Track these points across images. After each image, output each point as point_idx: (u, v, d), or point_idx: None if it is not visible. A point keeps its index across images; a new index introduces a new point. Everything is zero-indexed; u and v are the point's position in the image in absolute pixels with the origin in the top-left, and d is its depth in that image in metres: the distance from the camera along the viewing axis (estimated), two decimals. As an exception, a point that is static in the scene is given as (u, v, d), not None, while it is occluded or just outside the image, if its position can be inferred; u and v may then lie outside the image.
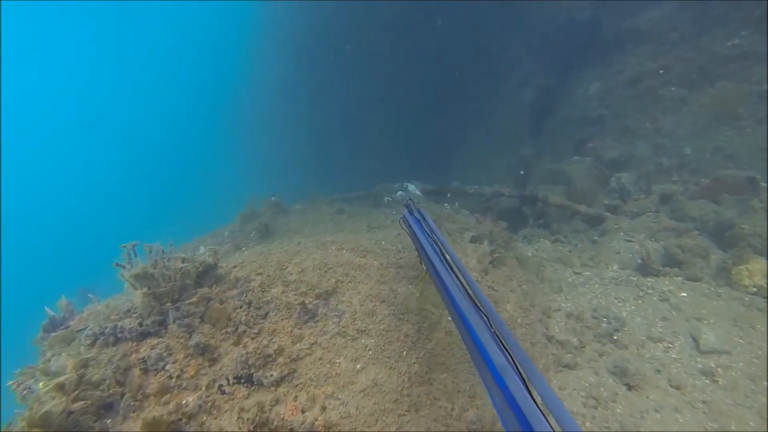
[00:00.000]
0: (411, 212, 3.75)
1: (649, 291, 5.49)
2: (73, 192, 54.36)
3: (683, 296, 5.30)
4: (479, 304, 1.97)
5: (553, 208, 8.94)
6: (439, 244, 2.86)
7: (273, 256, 4.17)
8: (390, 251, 4.91)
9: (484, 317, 1.87)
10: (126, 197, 51.75)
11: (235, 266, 3.99)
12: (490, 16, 14.39)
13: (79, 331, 3.30)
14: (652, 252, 6.09)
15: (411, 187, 9.58)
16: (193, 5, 43.30)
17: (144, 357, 3.15)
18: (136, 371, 3.09)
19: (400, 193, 9.62)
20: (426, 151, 18.19)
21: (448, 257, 2.63)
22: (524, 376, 1.47)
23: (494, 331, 1.76)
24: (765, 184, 6.86)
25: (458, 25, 15.41)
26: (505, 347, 1.64)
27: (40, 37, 46.06)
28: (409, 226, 3.54)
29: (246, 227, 7.32)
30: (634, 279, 5.84)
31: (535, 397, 1.38)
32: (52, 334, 3.27)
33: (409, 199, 4.06)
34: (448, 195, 9.62)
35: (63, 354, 2.94)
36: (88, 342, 3.09)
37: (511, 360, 1.57)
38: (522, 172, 11.98)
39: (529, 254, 7.25)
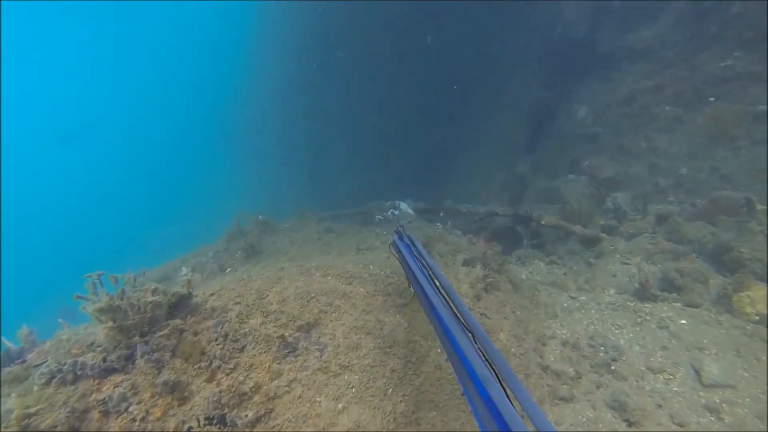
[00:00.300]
0: (401, 238, 3.70)
1: (647, 317, 5.29)
2: (72, 192, 53.95)
3: (683, 324, 5.11)
4: (464, 321, 2.02)
5: (548, 228, 8.78)
6: (428, 266, 2.87)
7: (253, 283, 3.93)
8: (378, 277, 4.69)
9: (469, 334, 1.93)
10: (125, 198, 51.34)
11: (212, 294, 3.75)
12: (486, 30, 14.42)
13: (35, 366, 3.03)
14: (649, 276, 5.90)
15: (403, 206, 9.40)
16: (193, 6, 43.28)
17: (105, 397, 2.90)
18: (95, 414, 2.84)
19: (391, 211, 9.43)
20: (420, 163, 18.09)
21: (437, 282, 2.63)
22: (505, 387, 1.53)
23: (478, 347, 1.81)
24: (763, 206, 6.73)
25: (454, 38, 15.43)
26: (488, 360, 1.70)
27: (40, 37, 46.01)
28: (399, 251, 3.50)
29: (232, 246, 7.07)
30: (632, 304, 5.64)
31: (515, 405, 1.45)
32: (6, 369, 3.00)
33: (400, 226, 4.07)
34: (441, 214, 9.44)
35: (12, 395, 2.68)
36: (43, 381, 2.83)
37: (493, 372, 1.62)
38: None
39: (523, 277, 7.05)
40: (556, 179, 11.43)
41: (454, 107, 16.95)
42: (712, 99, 8.43)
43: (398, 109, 18.43)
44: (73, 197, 52.76)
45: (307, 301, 3.71)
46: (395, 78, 17.87)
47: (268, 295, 3.72)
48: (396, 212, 9.42)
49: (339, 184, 19.28)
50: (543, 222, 8.49)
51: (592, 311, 5.69)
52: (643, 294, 5.70)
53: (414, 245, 3.43)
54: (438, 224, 8.34)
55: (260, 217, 7.76)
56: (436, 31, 15.96)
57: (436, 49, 16.14)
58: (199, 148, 48.04)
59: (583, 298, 6.07)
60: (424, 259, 3.02)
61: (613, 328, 5.27)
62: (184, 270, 5.82)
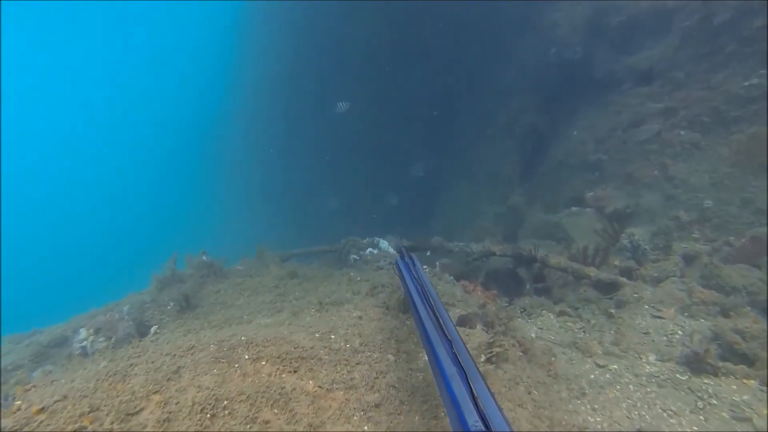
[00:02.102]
0: (403, 257, 3.87)
1: (713, 400, 3.90)
2: (71, 193, 52.44)
3: None
4: (446, 333, 2.23)
5: (553, 270, 7.47)
6: (421, 283, 3.12)
7: (130, 381, 2.44)
8: (342, 353, 3.26)
9: (448, 342, 2.11)
10: (121, 201, 49.52)
11: (50, 404, 2.24)
12: (475, 53, 13.53)
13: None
14: (700, 339, 4.55)
15: (383, 244, 8.03)
16: (194, 6, 42.39)
17: None
18: None
19: (369, 250, 8.03)
20: (403, 195, 16.86)
21: (429, 299, 2.79)
22: (471, 385, 1.70)
23: (454, 352, 1.99)
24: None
25: (440, 60, 14.50)
26: (459, 363, 1.88)
27: (40, 38, 44.74)
28: (400, 271, 3.70)
29: (163, 295, 5.56)
30: (684, 378, 4.25)
31: (476, 399, 1.60)
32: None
33: (402, 246, 4.43)
34: (428, 253, 8.07)
35: None
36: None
37: (462, 372, 1.80)
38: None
39: (533, 336, 5.64)
40: (555, 212, 10.24)
41: (439, 136, 15.90)
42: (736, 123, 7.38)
43: (381, 138, 17.31)
44: (72, 198, 51.99)
45: (212, 417, 2.22)
46: (377, 107, 16.84)
47: (144, 408, 2.22)
48: (375, 251, 8.02)
49: (316, 217, 17.88)
50: (550, 264, 7.18)
51: (631, 387, 4.27)
52: (697, 364, 4.33)
53: (414, 264, 3.64)
54: (425, 267, 6.94)
55: (204, 257, 6.26)
56: (421, 58, 15.09)
57: (420, 77, 15.22)
58: (176, 172, 46.73)
59: (615, 366, 4.66)
60: (419, 276, 3.29)
61: (665, 414, 3.85)
62: (82, 333, 4.26)
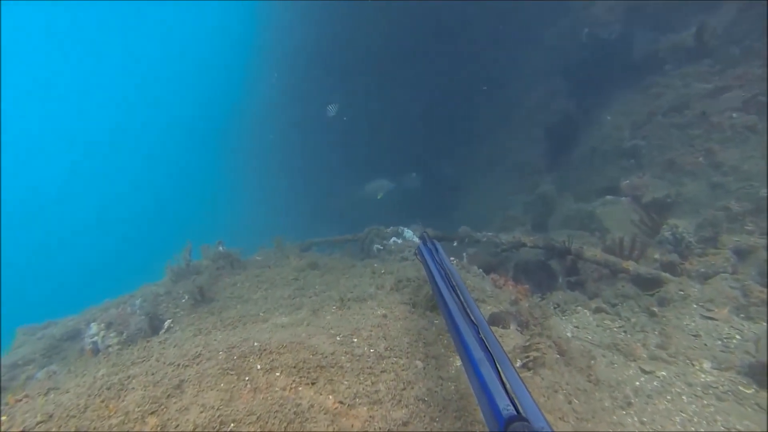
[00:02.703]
0: (425, 243, 3.84)
1: (785, 420, 3.45)
2: (90, 183, 53.15)
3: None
4: (472, 316, 2.19)
5: (587, 263, 7.00)
6: (446, 269, 3.05)
7: (125, 398, 2.16)
8: (365, 359, 2.95)
9: (474, 326, 2.08)
10: (123, 203, 50.18)
11: (32, 426, 1.98)
12: (502, 35, 12.86)
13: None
14: (765, 344, 4.07)
15: (408, 233, 7.67)
16: (195, 7, 42.23)
17: None
18: None
19: (393, 240, 7.69)
20: (428, 183, 16.40)
21: (452, 280, 2.80)
22: (499, 369, 1.69)
23: (481, 336, 1.97)
24: None
25: (465, 44, 13.87)
26: (487, 347, 1.85)
27: (41, 38, 45.27)
28: (422, 255, 3.66)
29: (178, 287, 5.35)
30: (749, 392, 3.79)
31: (505, 384, 1.57)
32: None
33: (425, 231, 4.24)
34: (455, 243, 7.68)
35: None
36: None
37: (489, 356, 1.78)
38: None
39: (569, 335, 5.23)
40: (588, 201, 9.69)
41: (465, 123, 15.33)
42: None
43: (403, 126, 16.82)
44: (71, 200, 51.93)
45: (217, 442, 1.93)
46: (401, 93, 16.29)
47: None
48: (399, 241, 7.68)
49: (337, 204, 17.57)
50: (585, 257, 6.71)
51: (684, 398, 3.85)
52: (762, 374, 3.86)
53: (437, 250, 3.56)
54: (452, 259, 6.57)
55: (220, 248, 6.02)
56: (445, 43, 14.47)
57: (444, 62, 14.62)
58: (192, 160, 46.97)
59: (663, 373, 4.23)
60: (443, 262, 3.22)
61: (725, 432, 3.44)
62: (93, 328, 4.06)
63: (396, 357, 3.19)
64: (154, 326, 4.60)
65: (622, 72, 10.22)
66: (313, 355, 2.81)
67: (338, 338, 3.21)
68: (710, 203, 7.19)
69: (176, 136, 51.76)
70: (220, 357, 2.52)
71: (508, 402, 1.44)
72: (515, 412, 1.40)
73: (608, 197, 8.81)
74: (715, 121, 7.61)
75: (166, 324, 4.69)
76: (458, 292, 2.55)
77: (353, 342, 3.20)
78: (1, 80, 43.50)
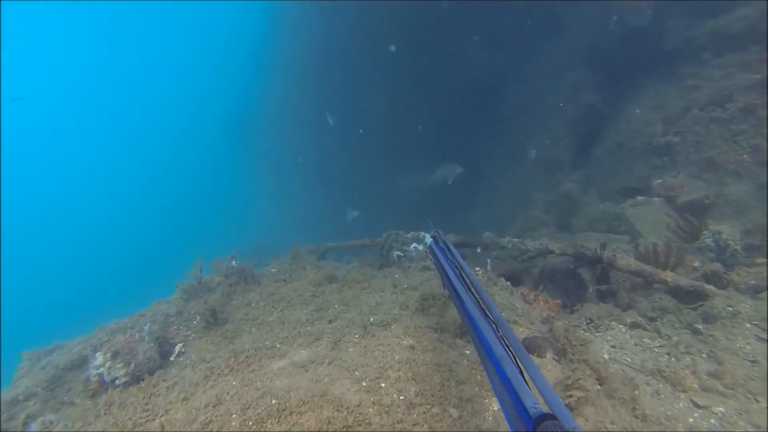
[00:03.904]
0: (437, 243, 3.73)
1: None
2: (70, 197, 52.85)
3: None
4: (489, 315, 2.12)
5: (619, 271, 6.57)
6: (459, 267, 2.95)
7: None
8: (395, 410, 2.63)
9: (493, 324, 2.01)
10: (127, 209, 50.07)
11: None
12: (524, 22, 12.23)
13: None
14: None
15: (428, 239, 7.29)
16: (198, 7, 41.77)
17: None
18: None
19: (414, 246, 7.33)
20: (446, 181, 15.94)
21: (467, 279, 2.69)
22: (520, 366, 1.62)
23: (500, 335, 1.90)
24: None
25: (484, 32, 13.27)
26: (507, 345, 1.78)
27: (41, 38, 45.20)
28: (434, 255, 3.60)
29: (189, 306, 5.07)
30: (824, 438, 3.38)
31: (528, 381, 1.51)
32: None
33: (436, 231, 4.06)
34: (478, 250, 7.30)
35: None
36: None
37: (510, 354, 1.71)
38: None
39: (606, 357, 4.84)
40: (614, 200, 9.20)
41: (484, 118, 14.77)
42: None
43: (418, 120, 16.32)
44: (72, 203, 51.91)
45: None
46: (417, 85, 15.75)
47: None
48: (420, 247, 7.32)
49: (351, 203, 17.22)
50: (618, 266, 6.28)
51: (747, 441, 3.46)
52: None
53: (449, 249, 3.43)
54: (477, 269, 6.19)
55: (233, 262, 5.72)
56: (464, 32, 13.88)
57: (463, 54, 14.04)
58: (205, 163, 46.64)
59: (722, 409, 3.82)
60: (457, 260, 3.09)
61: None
62: (99, 358, 3.80)
63: (428, 404, 2.86)
64: (164, 351, 4.34)
65: (653, 62, 9.60)
66: (337, 411, 2.49)
67: (364, 384, 2.88)
68: (758, 206, 6.67)
69: (189, 139, 51.24)
70: (233, 425, 2.21)
71: (535, 400, 1.36)
72: (543, 411, 1.31)
73: (639, 198, 8.31)
74: (763, 114, 7.04)
75: (177, 348, 4.43)
76: (473, 290, 2.48)
77: (381, 387, 2.87)
78: (1, 80, 43.63)
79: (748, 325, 4.84)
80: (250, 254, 6.80)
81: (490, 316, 2.11)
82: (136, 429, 2.24)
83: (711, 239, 6.36)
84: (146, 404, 2.57)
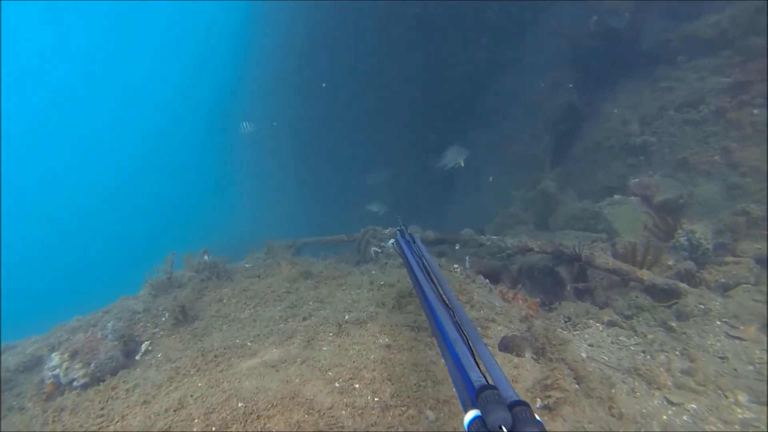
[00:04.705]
0: (403, 236, 3.78)
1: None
2: (78, 190, 51.32)
3: None
4: (447, 302, 2.22)
5: (597, 270, 6.61)
6: (422, 257, 3.03)
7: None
8: (369, 412, 2.53)
9: (450, 311, 2.11)
10: (124, 204, 48.80)
11: None
12: (504, 20, 12.24)
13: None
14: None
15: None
16: (198, 7, 40.80)
17: None
18: None
19: (391, 242, 7.23)
20: (423, 175, 15.89)
21: (429, 270, 2.77)
22: (472, 348, 1.73)
23: (456, 320, 1.99)
24: None
25: (463, 29, 13.24)
26: (462, 330, 1.89)
27: (41, 38, 43.77)
28: (400, 247, 3.58)
29: (158, 303, 4.85)
30: (793, 434, 3.43)
31: (478, 362, 1.63)
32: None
33: (402, 225, 4.16)
34: (457, 247, 7.24)
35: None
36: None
37: (463, 336, 1.82)
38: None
39: (584, 356, 4.84)
40: (591, 198, 9.30)
41: (462, 116, 14.76)
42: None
43: (395, 117, 16.20)
44: (71, 200, 50.38)
45: None
46: (394, 83, 15.63)
47: None
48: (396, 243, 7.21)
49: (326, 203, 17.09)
50: (596, 264, 6.31)
51: (720, 438, 3.48)
52: (808, 414, 3.50)
53: (414, 241, 3.48)
54: (456, 266, 6.12)
55: (205, 257, 5.51)
56: (443, 32, 13.82)
57: (441, 53, 13.99)
58: (194, 156, 45.72)
59: (694, 406, 3.85)
60: (421, 251, 3.18)
61: (771, 482, 3.06)
62: (54, 359, 3.57)
63: (404, 405, 2.75)
64: (129, 350, 4.12)
65: (630, 63, 9.73)
66: (308, 414, 2.36)
67: (337, 384, 2.76)
68: (727, 206, 6.81)
69: (173, 134, 50.02)
70: (195, 430, 2.05)
71: (480, 375, 1.52)
72: (485, 382, 1.47)
73: (616, 197, 8.40)
74: (733, 117, 7.19)
75: (143, 347, 4.22)
76: (435, 281, 2.58)
77: (355, 389, 2.76)
78: (1, 80, 42.10)
79: (719, 323, 4.91)
80: (228, 249, 6.56)
81: (447, 303, 2.22)
82: (87, 436, 2.06)
83: (685, 238, 6.46)
84: (101, 409, 2.39)
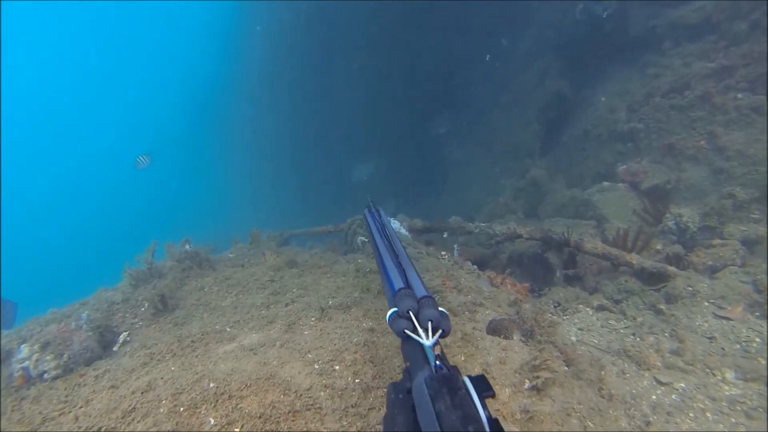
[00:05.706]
0: (370, 210, 3.77)
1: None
2: (69, 193, 51.16)
3: None
4: (396, 251, 2.48)
5: (587, 255, 6.57)
6: (382, 224, 3.21)
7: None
8: (349, 394, 2.43)
9: (395, 255, 2.39)
10: (123, 198, 48.59)
11: None
12: (492, 9, 12.16)
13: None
14: (792, 353, 3.68)
15: (394, 224, 7.10)
16: (197, 7, 40.36)
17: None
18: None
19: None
20: (413, 166, 15.83)
21: (386, 231, 3.00)
22: (404, 271, 2.09)
23: (398, 261, 2.28)
24: None
25: (452, 19, 13.16)
26: (400, 263, 2.23)
27: (41, 38, 43.36)
28: (366, 220, 3.64)
29: (138, 293, 4.71)
30: (780, 408, 3.40)
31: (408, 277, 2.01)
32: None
33: (370, 202, 4.03)
34: (445, 235, 7.16)
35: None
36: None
37: (401, 268, 2.15)
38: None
39: (573, 339, 4.80)
40: (581, 186, 9.28)
41: (450, 105, 14.70)
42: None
43: (386, 106, 16.09)
44: (70, 198, 50.46)
45: None
46: (385, 71, 15.51)
47: None
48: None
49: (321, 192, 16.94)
50: (585, 249, 6.27)
51: (709, 416, 3.44)
52: (793, 388, 3.47)
53: (379, 213, 3.60)
54: (443, 253, 6.04)
55: (187, 246, 5.37)
56: (431, 20, 13.73)
57: (433, 39, 13.90)
58: (190, 152, 45.42)
59: (683, 385, 3.81)
60: (381, 220, 3.39)
61: (759, 457, 3.03)
62: (24, 351, 3.42)
63: (386, 387, 2.66)
64: (106, 342, 3.98)
65: (617, 50, 9.71)
66: (284, 395, 2.26)
67: (317, 366, 2.66)
68: (714, 190, 6.80)
69: (172, 134, 49.67)
70: (161, 412, 1.94)
71: (403, 285, 1.88)
72: (402, 286, 1.88)
73: (605, 183, 8.37)
74: (718, 102, 7.17)
75: (121, 338, 4.07)
76: (389, 238, 2.84)
77: (335, 370, 2.66)
78: (1, 80, 41.38)
79: (706, 304, 4.89)
80: (216, 242, 6.41)
81: (394, 249, 2.54)
82: (44, 424, 1.93)
83: (673, 222, 6.44)
84: (66, 396, 2.27)
